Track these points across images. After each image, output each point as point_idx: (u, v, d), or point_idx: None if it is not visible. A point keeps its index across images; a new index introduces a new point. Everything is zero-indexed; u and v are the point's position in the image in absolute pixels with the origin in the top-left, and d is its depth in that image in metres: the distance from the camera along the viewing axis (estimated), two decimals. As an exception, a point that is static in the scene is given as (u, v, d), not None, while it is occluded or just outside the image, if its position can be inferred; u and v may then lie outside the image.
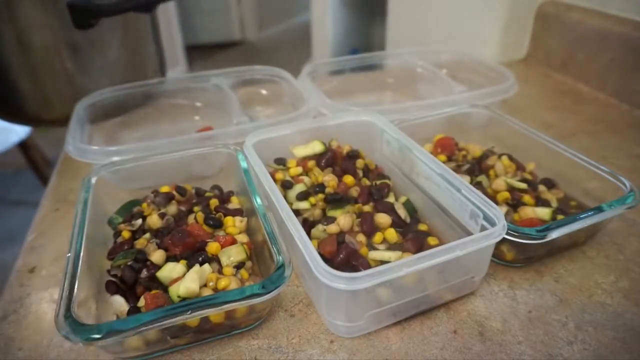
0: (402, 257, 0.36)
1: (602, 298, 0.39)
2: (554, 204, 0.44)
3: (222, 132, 0.51)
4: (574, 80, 0.80)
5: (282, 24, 3.71)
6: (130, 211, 0.44)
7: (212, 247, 0.38)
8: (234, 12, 3.39)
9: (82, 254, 0.35)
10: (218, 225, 0.41)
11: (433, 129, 0.55)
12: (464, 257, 0.34)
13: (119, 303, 0.35)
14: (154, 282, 0.36)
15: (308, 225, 0.41)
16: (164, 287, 0.35)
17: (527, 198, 0.44)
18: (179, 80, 0.68)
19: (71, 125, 0.53)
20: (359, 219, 0.41)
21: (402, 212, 0.43)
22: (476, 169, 0.49)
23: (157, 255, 0.37)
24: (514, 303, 0.39)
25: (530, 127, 0.51)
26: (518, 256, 0.41)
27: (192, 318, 0.31)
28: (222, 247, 0.38)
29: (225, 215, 0.42)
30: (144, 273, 0.36)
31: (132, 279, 0.36)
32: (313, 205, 0.42)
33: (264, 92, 0.71)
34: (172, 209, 0.43)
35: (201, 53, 3.24)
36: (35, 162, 1.59)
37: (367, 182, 0.46)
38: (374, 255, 0.38)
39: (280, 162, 0.47)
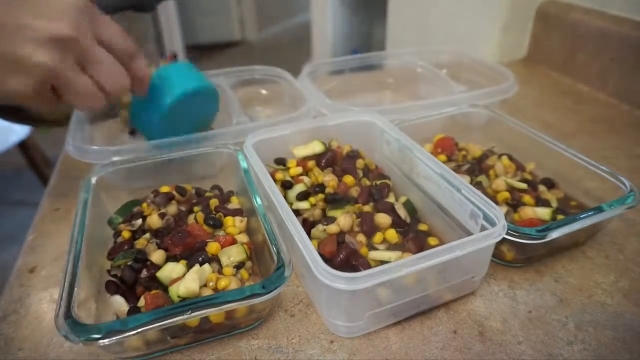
0: (402, 257, 0.36)
1: (602, 298, 0.39)
2: (554, 204, 0.44)
3: (222, 132, 0.51)
4: (574, 80, 0.80)
5: (282, 24, 3.71)
6: (130, 211, 0.44)
7: (212, 247, 0.38)
8: (234, 12, 3.40)
9: (82, 254, 0.35)
10: (218, 225, 0.41)
11: (433, 129, 0.55)
12: (464, 257, 0.34)
13: (119, 303, 0.35)
14: (154, 282, 0.36)
15: (308, 225, 0.41)
16: (164, 287, 0.35)
17: (527, 198, 0.44)
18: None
19: (71, 125, 0.53)
20: (359, 219, 0.41)
21: (402, 212, 0.43)
22: (476, 169, 0.49)
23: (157, 255, 0.37)
24: (514, 303, 0.39)
25: (530, 127, 0.51)
26: (518, 256, 0.41)
27: (192, 318, 0.31)
28: (222, 247, 0.38)
29: (225, 215, 0.42)
30: (144, 273, 0.36)
31: (132, 279, 0.36)
32: (313, 205, 0.42)
33: (264, 92, 0.71)
34: (172, 209, 0.43)
35: (201, 53, 3.24)
36: (35, 162, 1.59)
37: (367, 182, 0.46)
38: (374, 255, 0.38)
39: (280, 162, 0.47)
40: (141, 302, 0.34)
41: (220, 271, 0.37)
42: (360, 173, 0.47)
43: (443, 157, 0.51)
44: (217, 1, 3.31)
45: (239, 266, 0.37)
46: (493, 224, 0.36)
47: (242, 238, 0.40)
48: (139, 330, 0.29)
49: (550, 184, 0.47)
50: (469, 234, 0.38)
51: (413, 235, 0.41)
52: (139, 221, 0.41)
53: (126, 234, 0.41)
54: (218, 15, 3.35)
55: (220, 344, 0.36)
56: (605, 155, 0.58)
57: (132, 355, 0.34)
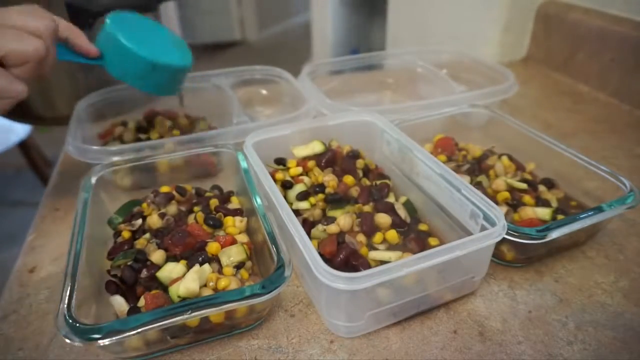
0: (402, 257, 0.36)
1: (602, 298, 0.39)
2: (554, 204, 0.44)
3: (222, 132, 0.51)
4: (574, 80, 0.80)
5: (282, 24, 3.71)
6: (130, 211, 0.44)
7: (212, 247, 0.38)
8: (234, 12, 3.39)
9: (82, 254, 0.35)
10: (218, 225, 0.41)
11: (433, 129, 0.55)
12: (464, 257, 0.34)
13: (119, 303, 0.35)
14: (154, 282, 0.36)
15: (308, 225, 0.41)
16: (164, 287, 0.35)
17: (527, 198, 0.44)
18: (179, 80, 0.68)
19: (71, 125, 0.53)
20: (359, 219, 0.41)
21: (402, 212, 0.43)
22: (476, 169, 0.49)
23: (157, 255, 0.37)
24: (514, 303, 0.39)
25: (530, 127, 0.51)
26: (518, 256, 0.41)
27: (192, 318, 0.31)
28: (222, 247, 0.38)
29: (225, 215, 0.42)
30: (144, 273, 0.36)
31: (132, 279, 0.36)
32: (313, 205, 0.42)
33: (264, 92, 0.71)
34: (172, 209, 0.43)
35: (201, 53, 3.23)
36: (35, 162, 1.59)
37: (367, 182, 0.46)
38: (374, 255, 0.38)
39: (280, 162, 0.47)
40: (141, 302, 0.34)
41: (220, 271, 0.37)
42: (360, 173, 0.47)
43: (443, 157, 0.51)
44: (217, 1, 3.31)
45: (239, 266, 0.37)
46: (493, 224, 0.36)
47: (242, 238, 0.40)
48: (139, 330, 0.29)
49: (550, 184, 0.47)
50: (469, 234, 0.38)
51: (414, 235, 0.41)
52: (139, 221, 0.41)
53: (126, 234, 0.41)
54: (218, 15, 3.35)
55: (220, 344, 0.36)
56: (605, 155, 0.58)
57: (132, 355, 0.34)
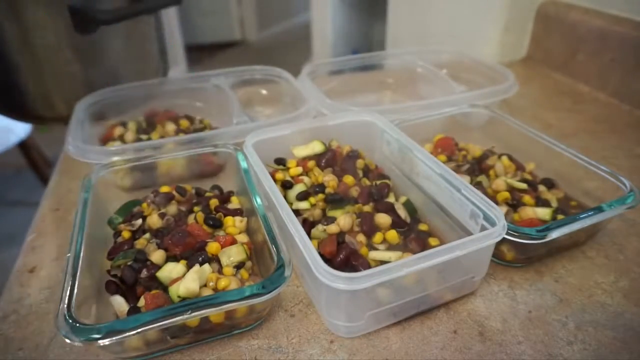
0: (402, 257, 0.36)
1: (602, 298, 0.39)
2: (554, 204, 0.44)
3: (222, 132, 0.51)
4: (574, 80, 0.80)
5: (282, 24, 3.70)
6: (130, 211, 0.44)
7: (212, 247, 0.38)
8: (234, 12, 3.39)
9: (82, 254, 0.35)
10: (218, 225, 0.41)
11: (433, 129, 0.55)
12: (464, 257, 0.34)
13: (119, 303, 0.35)
14: (154, 282, 0.36)
15: (308, 225, 0.41)
16: (164, 287, 0.35)
17: (527, 198, 0.44)
18: (179, 81, 0.68)
19: (71, 125, 0.53)
20: (359, 219, 0.41)
21: (402, 212, 0.43)
22: (476, 169, 0.49)
23: (157, 255, 0.37)
24: (514, 303, 0.39)
25: (530, 127, 0.51)
26: (518, 256, 0.41)
27: (192, 318, 0.31)
28: (222, 247, 0.38)
29: (225, 215, 0.42)
30: (144, 273, 0.36)
31: (132, 279, 0.36)
32: (313, 205, 0.42)
33: (264, 92, 0.71)
34: (172, 209, 0.43)
35: (201, 53, 3.23)
36: (35, 162, 1.59)
37: (367, 182, 0.46)
38: (374, 255, 0.38)
39: (280, 162, 0.47)
40: (141, 302, 0.34)
41: (220, 271, 0.37)
42: (360, 173, 0.47)
43: (443, 157, 0.51)
44: (217, 1, 3.31)
45: (239, 266, 0.37)
46: (493, 224, 0.36)
47: (242, 238, 0.40)
48: (139, 330, 0.29)
49: (550, 184, 0.47)
50: (469, 234, 0.38)
51: (414, 235, 0.41)
52: (139, 221, 0.41)
53: (126, 234, 0.41)
54: (218, 15, 3.35)
55: (220, 344, 0.36)
56: (605, 155, 0.58)
57: (132, 355, 0.34)
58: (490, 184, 0.46)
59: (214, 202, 0.44)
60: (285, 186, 0.44)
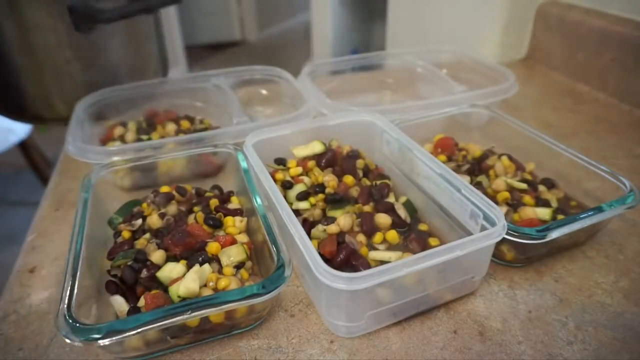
0: (402, 257, 0.36)
1: (602, 298, 0.39)
2: (554, 204, 0.44)
3: (222, 132, 0.51)
4: (574, 80, 0.80)
5: (282, 24, 3.70)
6: (130, 211, 0.44)
7: (212, 247, 0.38)
8: (234, 12, 3.39)
9: (82, 254, 0.35)
10: (218, 225, 0.41)
11: (433, 129, 0.55)
12: (464, 257, 0.34)
13: (119, 303, 0.35)
14: (154, 282, 0.36)
15: (308, 225, 0.41)
16: (164, 287, 0.35)
17: (527, 198, 0.44)
18: (179, 81, 0.68)
19: (71, 125, 0.53)
20: (359, 219, 0.41)
21: (402, 212, 0.43)
22: (476, 169, 0.49)
23: (157, 255, 0.37)
24: (514, 303, 0.39)
25: (530, 127, 0.51)
26: (518, 256, 0.41)
27: (192, 318, 0.31)
28: (222, 247, 0.38)
29: (225, 215, 0.42)
30: (144, 273, 0.36)
31: (132, 279, 0.36)
32: (313, 205, 0.42)
33: (264, 92, 0.71)
34: (172, 209, 0.43)
35: (201, 53, 3.23)
36: (35, 162, 1.59)
37: (367, 182, 0.46)
38: (374, 255, 0.38)
39: (280, 162, 0.47)
40: (141, 302, 0.34)
41: (220, 271, 0.37)
42: (360, 173, 0.46)
43: (443, 157, 0.50)
44: (217, 1, 3.31)
45: (239, 266, 0.37)
46: (493, 224, 0.36)
47: (242, 238, 0.40)
48: (139, 330, 0.29)
49: (550, 184, 0.47)
50: (469, 234, 0.38)
51: (414, 235, 0.41)
52: (139, 221, 0.41)
53: (126, 234, 0.41)
54: (218, 15, 3.35)
55: (220, 344, 0.36)
56: (606, 155, 0.58)
57: (132, 355, 0.34)
58: (490, 184, 0.46)
59: (214, 202, 0.44)
60: (285, 186, 0.44)
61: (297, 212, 0.41)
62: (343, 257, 0.37)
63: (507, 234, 0.36)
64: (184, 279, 0.34)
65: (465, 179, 0.43)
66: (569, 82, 0.80)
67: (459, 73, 0.72)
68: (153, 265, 0.37)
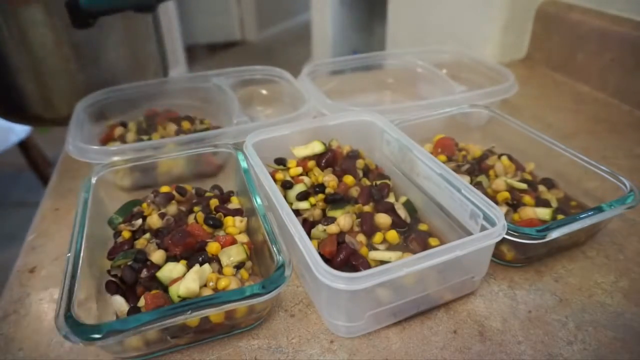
0: (402, 257, 0.36)
1: (602, 298, 0.39)
2: (554, 204, 0.44)
3: (222, 132, 0.51)
4: (574, 80, 0.80)
5: (282, 24, 3.70)
6: (130, 211, 0.44)
7: (212, 247, 0.38)
8: (234, 12, 3.39)
9: (82, 254, 0.35)
10: (218, 225, 0.41)
11: (433, 129, 0.55)
12: (464, 257, 0.34)
13: (119, 303, 0.35)
14: (154, 282, 0.36)
15: (308, 225, 0.41)
16: (164, 287, 0.35)
17: (527, 198, 0.44)
18: (180, 81, 0.69)
19: (71, 125, 0.53)
20: (359, 219, 0.41)
21: (402, 212, 0.43)
22: (476, 169, 0.49)
23: (157, 255, 0.37)
24: (514, 303, 0.39)
25: (530, 127, 0.51)
26: (518, 256, 0.41)
27: (192, 318, 0.31)
28: (222, 247, 0.38)
29: (225, 215, 0.42)
30: (144, 273, 0.36)
31: (132, 279, 0.36)
32: (313, 205, 0.42)
33: (264, 92, 0.71)
34: (172, 209, 0.43)
35: (201, 53, 3.24)
36: (35, 162, 1.59)
37: (367, 182, 0.46)
38: (374, 255, 0.38)
39: (280, 162, 0.47)
40: (141, 302, 0.34)
41: (220, 271, 0.37)
42: (360, 173, 0.47)
43: (443, 157, 0.51)
44: (217, 1, 3.31)
45: (239, 266, 0.37)
46: (493, 224, 0.36)
47: (242, 238, 0.40)
48: (139, 330, 0.29)
49: (550, 184, 0.47)
50: (469, 234, 0.38)
51: (414, 235, 0.41)
52: (139, 221, 0.41)
53: (126, 234, 0.41)
54: (218, 15, 3.35)
55: (220, 344, 0.36)
56: (606, 155, 0.58)
57: (132, 355, 0.34)
58: (490, 184, 0.46)
59: (214, 202, 0.44)
60: (285, 186, 0.44)
61: (297, 212, 0.41)
62: (343, 257, 0.37)
63: (507, 234, 0.36)
64: (184, 279, 0.34)
65: (465, 179, 0.43)
66: (569, 82, 0.80)
67: (459, 73, 0.72)
68: (153, 265, 0.37)
